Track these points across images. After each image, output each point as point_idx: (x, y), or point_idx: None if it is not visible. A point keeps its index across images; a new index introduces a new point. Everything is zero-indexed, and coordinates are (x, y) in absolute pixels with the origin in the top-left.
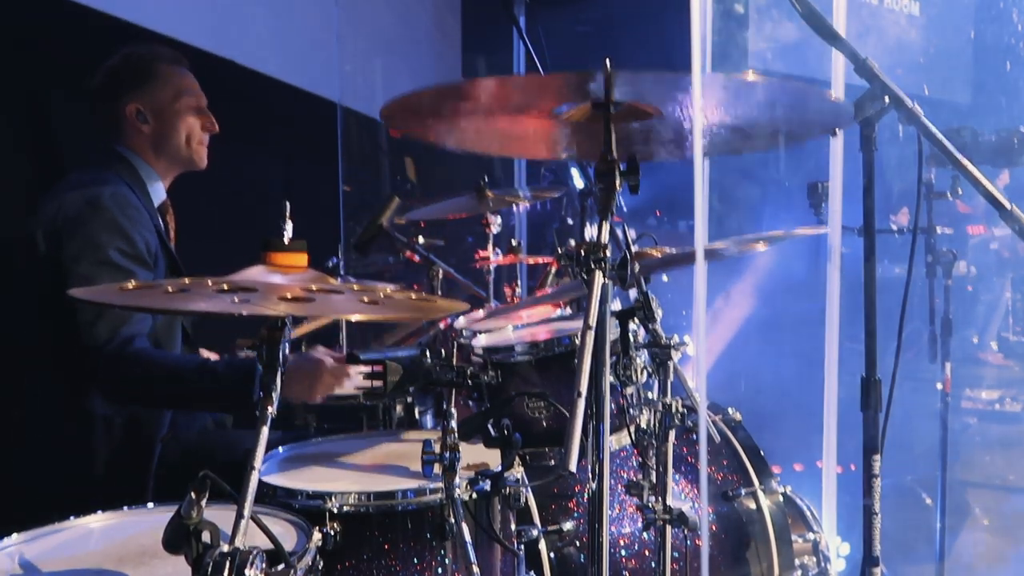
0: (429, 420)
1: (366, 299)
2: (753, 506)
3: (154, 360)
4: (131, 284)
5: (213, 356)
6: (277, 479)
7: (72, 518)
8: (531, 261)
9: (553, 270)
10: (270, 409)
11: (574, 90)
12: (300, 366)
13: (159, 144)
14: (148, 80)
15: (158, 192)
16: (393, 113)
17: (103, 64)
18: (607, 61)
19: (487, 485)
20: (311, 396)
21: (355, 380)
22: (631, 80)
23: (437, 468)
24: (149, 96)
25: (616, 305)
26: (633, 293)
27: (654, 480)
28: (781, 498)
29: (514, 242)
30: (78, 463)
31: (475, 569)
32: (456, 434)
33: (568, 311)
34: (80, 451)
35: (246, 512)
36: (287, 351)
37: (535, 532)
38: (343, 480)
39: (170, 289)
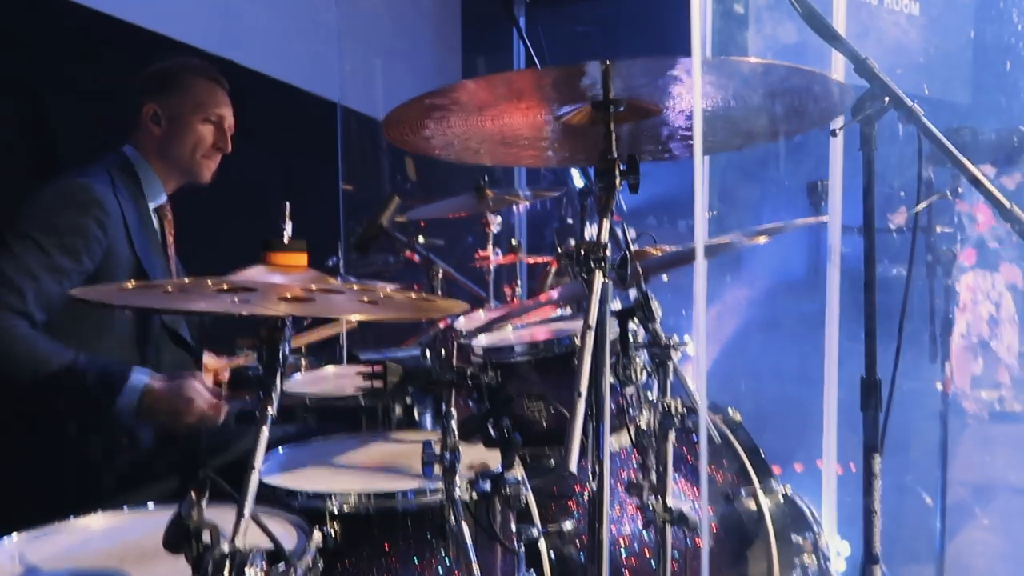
0: (429, 420)
1: (366, 299)
2: (753, 506)
3: (15, 339)
4: (130, 284)
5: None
6: (277, 479)
7: (72, 518)
8: (531, 261)
9: (553, 270)
10: (270, 409)
11: (573, 87)
12: (173, 397)
13: (165, 148)
14: (174, 88)
15: (157, 195)
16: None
17: (142, 66)
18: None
19: (487, 485)
20: (173, 425)
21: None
22: (628, 70)
23: (437, 468)
24: (169, 102)
25: (616, 305)
26: (633, 293)
27: (654, 480)
28: (781, 498)
29: (514, 242)
30: (77, 461)
31: (475, 569)
32: (456, 434)
33: (568, 311)
34: (78, 449)
35: (246, 512)
36: (286, 351)
37: (535, 532)
38: (343, 480)
39: (170, 289)
